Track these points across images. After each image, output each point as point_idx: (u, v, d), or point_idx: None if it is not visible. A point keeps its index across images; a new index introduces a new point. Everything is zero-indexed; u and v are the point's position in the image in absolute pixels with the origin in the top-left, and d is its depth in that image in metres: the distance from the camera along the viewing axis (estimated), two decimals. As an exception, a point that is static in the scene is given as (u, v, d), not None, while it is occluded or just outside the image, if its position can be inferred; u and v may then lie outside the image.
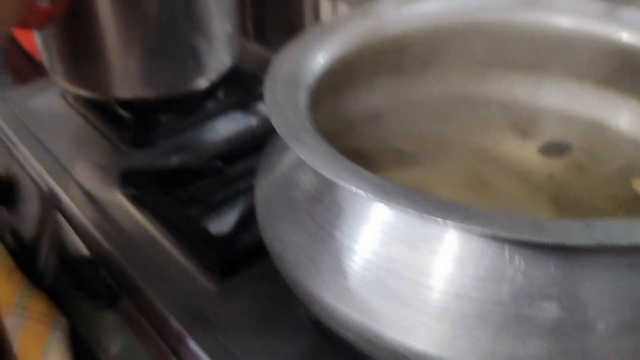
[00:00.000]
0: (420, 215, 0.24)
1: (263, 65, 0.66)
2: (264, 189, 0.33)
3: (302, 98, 0.32)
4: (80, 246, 0.47)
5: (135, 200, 0.48)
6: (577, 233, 0.23)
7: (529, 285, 0.24)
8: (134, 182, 0.49)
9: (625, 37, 0.36)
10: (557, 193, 0.38)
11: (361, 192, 0.25)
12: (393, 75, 0.40)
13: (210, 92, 0.59)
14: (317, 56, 0.35)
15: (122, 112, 0.58)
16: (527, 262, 0.24)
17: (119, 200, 0.49)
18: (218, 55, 0.55)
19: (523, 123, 0.41)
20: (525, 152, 0.41)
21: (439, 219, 0.23)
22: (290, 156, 0.32)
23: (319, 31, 0.36)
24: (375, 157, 0.37)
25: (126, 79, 0.53)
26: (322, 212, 0.28)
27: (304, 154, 0.26)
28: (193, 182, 0.50)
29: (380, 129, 0.40)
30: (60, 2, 0.48)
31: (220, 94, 0.61)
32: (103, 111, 0.58)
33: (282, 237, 0.30)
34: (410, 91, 0.41)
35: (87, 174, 0.52)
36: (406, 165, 0.37)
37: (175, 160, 0.53)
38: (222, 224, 0.46)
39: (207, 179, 0.50)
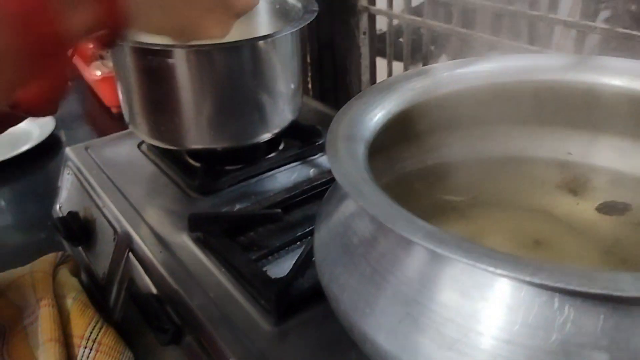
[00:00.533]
0: (473, 264, 0.25)
1: (321, 120, 0.70)
2: (323, 235, 0.35)
3: (361, 151, 0.35)
4: (149, 284, 0.51)
5: (201, 243, 0.52)
6: (625, 285, 0.24)
7: (579, 335, 0.25)
8: (200, 227, 0.52)
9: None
10: (612, 249, 0.38)
11: (416, 240, 0.26)
12: (446, 131, 0.42)
13: (272, 144, 0.63)
14: (375, 113, 0.37)
15: (192, 162, 0.63)
16: (577, 312, 0.25)
17: (186, 243, 0.52)
18: (281, 111, 0.60)
19: (575, 182, 0.41)
20: (582, 211, 0.41)
21: (491, 268, 0.25)
22: (348, 204, 0.34)
23: (377, 90, 0.39)
24: (426, 210, 0.39)
25: (198, 132, 0.58)
26: (378, 258, 0.30)
27: (363, 202, 0.28)
28: (254, 228, 0.53)
29: (432, 183, 0.42)
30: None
31: (281, 146, 0.65)
32: (174, 160, 0.63)
33: (339, 280, 0.32)
34: (462, 147, 0.43)
35: (158, 218, 0.56)
36: (456, 220, 0.39)
37: (238, 207, 0.56)
38: (279, 268, 0.49)
39: (267, 226, 0.53)
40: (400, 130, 0.41)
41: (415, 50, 0.73)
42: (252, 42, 0.55)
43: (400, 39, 0.75)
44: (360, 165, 0.33)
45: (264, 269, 0.49)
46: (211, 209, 0.56)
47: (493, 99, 0.40)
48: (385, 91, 0.39)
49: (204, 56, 0.54)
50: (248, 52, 0.55)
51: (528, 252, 0.38)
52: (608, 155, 0.42)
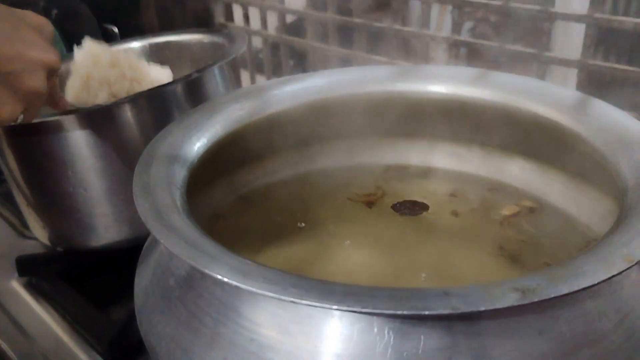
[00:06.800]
0: (278, 297, 0.23)
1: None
2: (142, 278, 0.31)
3: (180, 176, 0.31)
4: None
5: (32, 288, 0.46)
6: (434, 302, 0.22)
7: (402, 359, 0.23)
8: (31, 270, 0.46)
9: (498, 97, 0.37)
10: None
11: (219, 276, 0.24)
12: (283, 151, 0.40)
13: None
14: (198, 136, 0.34)
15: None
16: (396, 336, 0.24)
17: (15, 289, 0.46)
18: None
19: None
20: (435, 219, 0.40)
21: (296, 299, 0.22)
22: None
23: (199, 112, 0.36)
24: (267, 235, 0.37)
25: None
26: (195, 300, 0.27)
27: (163, 236, 0.25)
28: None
29: (278, 203, 0.39)
30: None
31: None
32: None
33: (157, 330, 0.28)
34: (299, 164, 0.41)
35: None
36: (299, 242, 0.36)
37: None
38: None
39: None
40: (237, 153, 0.38)
41: (276, 65, 0.72)
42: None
43: (260, 55, 0.74)
44: (175, 193, 0.30)
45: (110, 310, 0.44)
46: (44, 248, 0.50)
47: (325, 114, 0.39)
48: (209, 113, 0.36)
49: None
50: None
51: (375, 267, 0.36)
52: (447, 161, 0.41)
